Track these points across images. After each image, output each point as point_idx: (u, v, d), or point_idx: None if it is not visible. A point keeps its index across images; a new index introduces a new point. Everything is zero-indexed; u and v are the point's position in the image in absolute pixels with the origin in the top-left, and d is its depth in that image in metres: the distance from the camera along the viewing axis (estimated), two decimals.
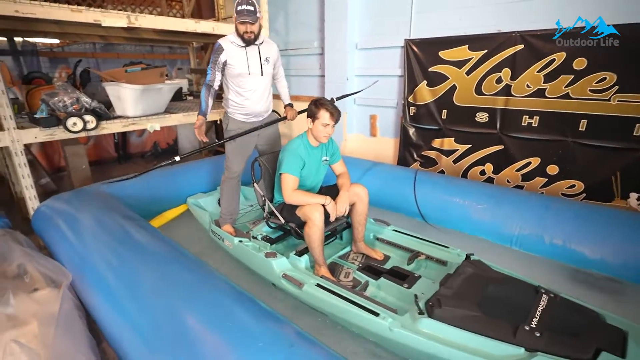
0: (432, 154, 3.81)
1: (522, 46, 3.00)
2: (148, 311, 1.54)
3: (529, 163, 3.20)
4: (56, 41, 5.31)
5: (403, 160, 4.06)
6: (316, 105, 2.07)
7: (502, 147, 3.32)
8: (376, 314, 1.50)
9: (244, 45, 2.31)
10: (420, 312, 1.47)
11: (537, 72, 2.97)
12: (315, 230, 1.92)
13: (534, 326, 1.31)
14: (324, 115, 2.03)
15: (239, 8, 2.21)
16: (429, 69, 3.59)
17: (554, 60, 2.88)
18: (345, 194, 2.12)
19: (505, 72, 3.14)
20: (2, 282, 1.99)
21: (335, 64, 4.24)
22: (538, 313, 1.38)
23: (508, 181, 3.35)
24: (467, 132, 3.51)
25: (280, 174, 2.10)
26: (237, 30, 2.27)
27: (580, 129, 2.88)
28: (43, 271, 2.04)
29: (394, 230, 2.31)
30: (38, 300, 1.75)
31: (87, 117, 2.83)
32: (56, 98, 2.79)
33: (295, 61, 4.95)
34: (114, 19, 2.93)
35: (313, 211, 1.93)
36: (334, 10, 4.07)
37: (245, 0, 2.19)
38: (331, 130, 2.11)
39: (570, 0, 2.75)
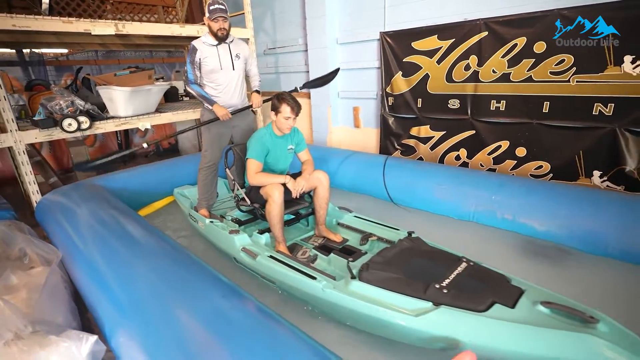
0: (411, 142, 3.95)
1: (486, 33, 3.11)
2: (125, 285, 1.73)
3: (500, 146, 3.30)
4: (64, 50, 5.71)
5: (385, 149, 4.20)
6: (278, 100, 2.26)
7: (474, 132, 3.43)
8: (314, 278, 1.69)
9: (215, 43, 2.56)
10: (353, 277, 1.65)
11: (502, 57, 3.08)
12: (274, 207, 2.12)
13: (444, 285, 1.46)
14: (285, 109, 2.22)
15: (212, 7, 2.48)
16: (403, 60, 3.73)
17: (516, 45, 2.98)
18: (305, 175, 2.31)
19: (473, 59, 3.25)
20: (5, 263, 2.28)
21: (318, 60, 4.42)
22: (452, 276, 1.53)
23: (481, 165, 3.46)
24: (441, 119, 3.63)
25: (246, 159, 2.32)
26: (210, 29, 2.54)
27: (544, 111, 2.97)
28: (39, 253, 2.32)
29: (355, 216, 2.47)
30: (31, 274, 2.02)
31: (81, 118, 3.11)
32: (53, 102, 3.08)
33: (283, 59, 5.15)
34: (102, 27, 3.20)
35: (273, 189, 2.13)
36: (314, 7, 4.25)
37: (217, 0, 2.44)
38: (293, 122, 2.30)
39: None
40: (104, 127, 3.37)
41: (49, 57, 5.16)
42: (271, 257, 1.93)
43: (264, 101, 2.85)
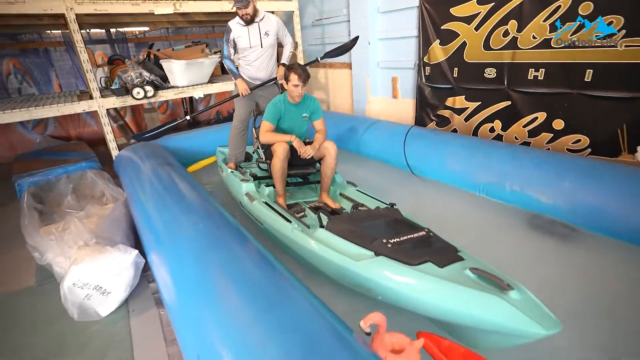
0: (446, 113, 3.88)
1: None
2: (164, 223, 2.16)
3: (536, 118, 3.12)
4: (145, 29, 6.53)
5: (420, 120, 4.19)
6: (288, 70, 2.47)
7: (509, 102, 3.27)
8: (289, 222, 1.98)
9: (245, 24, 2.86)
10: (321, 226, 1.87)
11: (543, 21, 2.86)
12: (276, 162, 2.41)
13: (390, 242, 1.60)
14: (293, 77, 2.44)
15: None
16: (442, 27, 3.62)
17: (559, 7, 2.74)
18: (315, 145, 2.51)
19: (512, 25, 3.06)
20: (90, 200, 2.99)
21: (359, 29, 4.46)
22: (403, 237, 1.64)
23: (516, 137, 3.31)
24: (476, 89, 3.51)
25: (263, 120, 2.59)
26: (237, 13, 2.83)
27: (586, 80, 2.74)
28: (112, 194, 2.98)
29: (357, 190, 2.62)
30: (104, 208, 2.65)
31: (147, 88, 3.71)
32: (126, 74, 3.72)
33: (329, 29, 5.25)
34: (163, 7, 3.70)
35: (278, 146, 2.42)
36: None
37: None
38: (302, 90, 2.49)
39: None
40: (165, 95, 3.96)
41: (130, 35, 5.98)
42: (265, 202, 2.26)
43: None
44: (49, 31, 5.22)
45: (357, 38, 3.35)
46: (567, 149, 2.98)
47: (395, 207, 2.14)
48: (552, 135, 3.05)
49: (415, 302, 1.40)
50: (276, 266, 1.65)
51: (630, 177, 2.09)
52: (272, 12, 5.82)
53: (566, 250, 2.05)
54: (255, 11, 2.90)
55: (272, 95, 3.20)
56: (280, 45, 3.21)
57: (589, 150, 2.85)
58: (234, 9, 2.85)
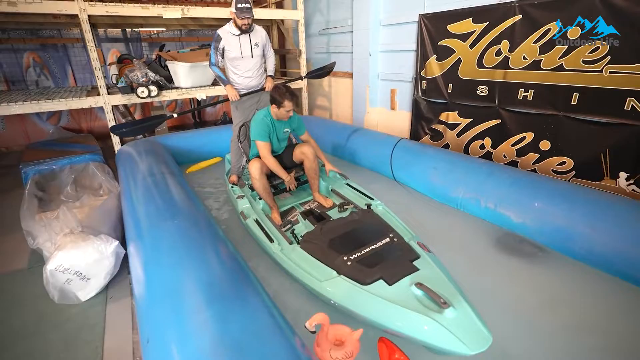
0: (440, 127, 3.93)
1: (520, 16, 2.94)
2: (146, 218, 2.29)
3: (524, 138, 3.15)
4: (162, 29, 6.77)
5: (415, 133, 4.25)
6: (280, 95, 2.46)
7: (499, 121, 3.31)
8: (272, 241, 2.09)
9: (238, 34, 2.95)
10: (298, 243, 2.01)
11: (534, 43, 2.90)
12: (255, 183, 2.50)
13: (351, 258, 1.71)
14: (288, 104, 2.47)
15: (239, 6, 2.84)
16: (439, 43, 3.69)
17: (549, 29, 2.78)
18: (292, 176, 2.62)
19: (505, 44, 3.11)
20: (87, 190, 3.15)
21: (360, 41, 4.56)
22: (365, 250, 1.76)
23: (504, 156, 3.34)
24: (469, 106, 3.55)
25: (253, 140, 2.61)
26: (235, 22, 2.92)
27: (572, 103, 2.76)
28: (109, 187, 3.14)
29: (347, 184, 2.75)
30: (98, 200, 2.80)
31: (151, 87, 3.88)
32: (133, 73, 3.90)
33: (334, 39, 5.37)
34: (171, 12, 3.88)
35: (251, 167, 2.50)
36: None
37: None
38: (292, 113, 2.57)
39: None
40: (169, 95, 4.12)
41: (144, 34, 6.23)
42: (255, 220, 2.36)
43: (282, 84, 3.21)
44: (68, 29, 5.50)
45: (334, 63, 3.48)
46: (553, 171, 2.99)
47: (372, 206, 2.27)
48: (539, 155, 3.07)
49: (366, 318, 1.53)
50: (240, 265, 1.75)
51: (600, 201, 2.11)
52: (282, 21, 6.00)
53: (530, 269, 2.08)
54: (252, 21, 3.00)
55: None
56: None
57: (573, 172, 2.86)
58: (239, 18, 2.84)
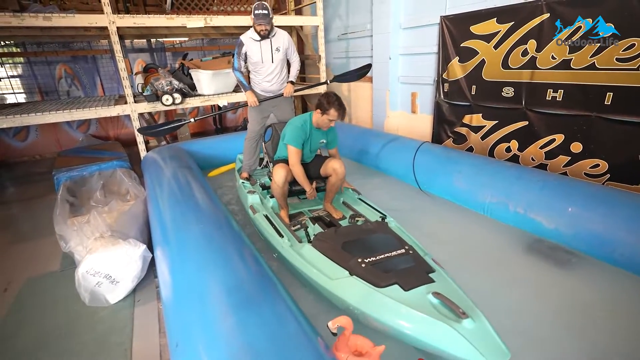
0: (463, 130, 3.85)
1: (547, 15, 2.85)
2: (172, 222, 2.34)
3: (553, 140, 3.03)
4: (184, 39, 6.98)
5: (437, 136, 4.17)
6: (328, 102, 2.37)
7: (526, 122, 3.20)
8: (282, 236, 2.07)
9: (259, 39, 3.00)
10: (309, 242, 1.98)
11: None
12: (275, 187, 2.47)
13: (365, 261, 1.65)
14: (333, 114, 2.38)
15: (256, 12, 2.90)
16: (461, 45, 3.62)
17: (580, 27, 2.68)
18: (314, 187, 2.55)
19: (531, 44, 3.02)
20: (116, 196, 3.25)
21: (380, 44, 4.54)
22: (379, 256, 1.70)
23: (532, 159, 3.23)
24: (493, 108, 3.46)
25: (286, 144, 2.55)
26: (254, 28, 2.97)
27: (605, 103, 2.64)
28: (136, 192, 3.23)
29: (359, 198, 2.68)
30: (126, 205, 2.88)
31: (175, 95, 3.98)
32: (158, 82, 4.02)
33: (354, 43, 5.37)
34: (194, 21, 3.98)
35: (276, 173, 2.43)
36: None
37: (261, 6, 2.88)
38: (333, 124, 2.51)
39: None
40: (192, 102, 4.22)
41: (168, 44, 6.43)
42: (265, 215, 2.36)
43: (296, 90, 3.21)
44: (97, 41, 5.74)
45: (369, 65, 3.42)
46: (585, 174, 2.86)
47: (385, 220, 2.19)
48: (570, 158, 2.94)
49: (377, 322, 1.47)
50: (264, 269, 1.75)
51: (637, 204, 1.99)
52: (301, 27, 6.06)
53: (564, 275, 1.98)
54: (272, 27, 3.04)
55: (287, 106, 3.33)
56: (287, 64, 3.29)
57: (608, 175, 2.73)
58: (255, 24, 2.90)
